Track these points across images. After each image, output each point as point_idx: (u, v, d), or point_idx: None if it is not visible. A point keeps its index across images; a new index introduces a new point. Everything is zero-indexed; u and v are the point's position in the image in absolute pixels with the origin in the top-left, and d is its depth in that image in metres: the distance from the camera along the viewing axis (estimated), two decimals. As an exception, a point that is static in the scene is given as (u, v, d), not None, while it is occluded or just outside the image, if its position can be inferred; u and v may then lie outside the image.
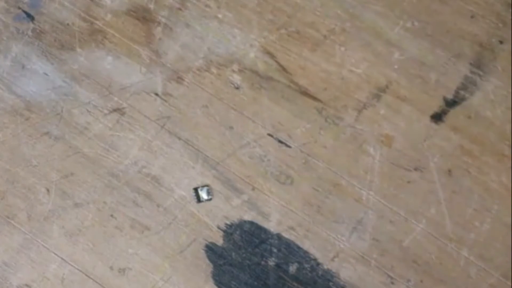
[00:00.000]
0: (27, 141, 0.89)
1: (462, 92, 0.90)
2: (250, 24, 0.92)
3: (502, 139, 0.89)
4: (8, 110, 0.90)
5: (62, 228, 0.87)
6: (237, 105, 0.90)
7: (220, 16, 0.92)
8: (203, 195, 0.87)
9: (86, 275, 0.85)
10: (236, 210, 0.87)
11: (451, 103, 0.90)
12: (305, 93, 0.90)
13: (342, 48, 0.92)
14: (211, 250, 0.86)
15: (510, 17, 0.91)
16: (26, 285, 0.85)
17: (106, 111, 0.90)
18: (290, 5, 0.93)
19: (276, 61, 0.91)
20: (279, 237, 0.87)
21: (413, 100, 0.90)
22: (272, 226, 0.87)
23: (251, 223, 0.87)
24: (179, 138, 0.89)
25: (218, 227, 0.87)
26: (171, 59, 0.91)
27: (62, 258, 0.86)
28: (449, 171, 0.88)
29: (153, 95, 0.90)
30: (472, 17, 0.92)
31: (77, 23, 0.93)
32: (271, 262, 0.86)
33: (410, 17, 0.92)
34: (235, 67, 0.91)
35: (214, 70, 0.91)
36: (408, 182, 0.88)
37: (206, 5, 0.93)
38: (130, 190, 0.88)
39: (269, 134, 0.90)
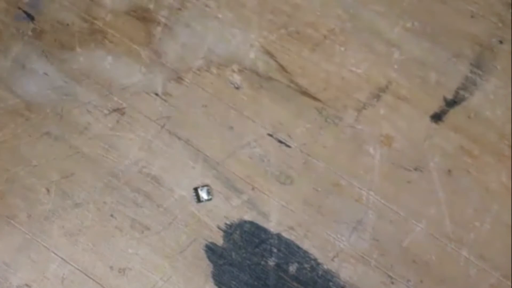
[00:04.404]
0: (27, 141, 0.89)
1: (462, 92, 0.90)
2: (250, 24, 0.92)
3: (502, 139, 0.89)
4: (8, 110, 0.90)
5: (62, 228, 0.87)
6: (237, 105, 0.90)
7: (220, 16, 0.92)
8: (203, 195, 0.87)
9: (86, 275, 0.85)
10: (236, 210, 0.87)
11: (451, 103, 0.90)
12: (305, 93, 0.90)
13: (342, 48, 0.92)
14: (211, 250, 0.86)
15: (510, 17, 0.91)
16: (26, 285, 0.85)
17: (106, 111, 0.90)
18: (290, 5, 0.93)
19: (276, 61, 0.91)
20: (279, 237, 0.87)
21: (413, 100, 0.90)
22: (272, 226, 0.87)
23: (251, 223, 0.87)
24: (179, 138, 0.89)
25: (218, 227, 0.87)
26: (171, 59, 0.91)
27: (62, 258, 0.86)
28: (449, 171, 0.88)
29: (153, 95, 0.90)
30: (472, 17, 0.92)
31: (77, 23, 0.93)
32: (271, 262, 0.86)
33: (410, 17, 0.92)
34: (235, 67, 0.91)
35: (214, 70, 0.91)
36: (408, 182, 0.88)
37: (206, 5, 0.93)
38: (130, 190, 0.88)
39: (269, 134, 0.90)
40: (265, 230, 0.87)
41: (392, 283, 0.86)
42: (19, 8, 0.93)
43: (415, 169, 0.88)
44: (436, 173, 0.88)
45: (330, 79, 0.91)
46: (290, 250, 0.86)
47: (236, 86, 0.91)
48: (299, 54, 0.92)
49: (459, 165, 0.88)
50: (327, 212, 0.87)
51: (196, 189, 0.87)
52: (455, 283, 0.86)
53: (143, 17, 0.93)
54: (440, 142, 0.89)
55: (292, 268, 0.86)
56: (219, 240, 0.87)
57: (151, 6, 0.93)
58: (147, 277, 0.86)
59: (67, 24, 0.93)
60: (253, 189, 0.88)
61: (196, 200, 0.87)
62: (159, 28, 0.92)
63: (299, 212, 0.87)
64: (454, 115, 0.89)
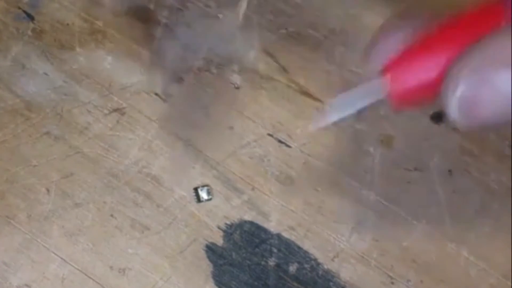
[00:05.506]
0: (27, 141, 0.89)
1: (462, 92, 0.90)
2: (250, 24, 0.92)
3: (502, 139, 0.89)
4: (8, 110, 0.90)
5: (62, 228, 0.87)
6: (237, 105, 0.90)
7: (220, 16, 0.93)
8: (203, 195, 0.87)
9: (86, 275, 0.85)
10: (236, 210, 0.87)
11: (451, 103, 0.90)
12: (305, 93, 0.90)
13: (342, 48, 0.92)
14: (211, 250, 0.86)
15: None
16: (26, 285, 0.85)
17: (106, 111, 0.90)
18: (290, 5, 0.93)
19: (276, 61, 0.91)
20: (279, 237, 0.87)
21: (413, 100, 0.90)
22: (272, 226, 0.87)
23: (251, 223, 0.87)
24: (179, 138, 0.89)
25: (218, 227, 0.87)
26: (171, 59, 0.91)
27: (62, 258, 0.86)
28: (449, 171, 0.88)
29: (153, 95, 0.90)
30: (472, 17, 0.91)
31: (77, 23, 0.93)
32: (271, 262, 0.86)
33: (410, 17, 0.92)
34: (235, 67, 0.91)
35: (214, 70, 0.91)
36: (408, 182, 0.88)
37: (206, 5, 0.93)
38: (130, 190, 0.88)
39: (269, 134, 0.90)
40: (265, 230, 0.87)
41: (392, 283, 0.86)
42: (19, 8, 0.93)
43: (415, 169, 0.88)
44: (436, 173, 0.88)
45: (330, 79, 0.91)
46: (290, 250, 0.86)
47: (236, 86, 0.91)
48: (299, 54, 0.92)
49: (459, 165, 0.88)
50: (327, 212, 0.87)
51: (196, 189, 0.87)
52: (455, 283, 0.86)
53: (143, 17, 0.93)
54: (440, 142, 0.89)
55: (292, 268, 0.86)
56: (219, 240, 0.86)
57: (152, 6, 0.93)
58: (147, 277, 0.85)
59: (67, 24, 0.93)
60: (253, 189, 0.88)
61: (196, 200, 0.87)
62: (159, 28, 0.92)
63: (299, 212, 0.87)
64: (454, 115, 0.89)
